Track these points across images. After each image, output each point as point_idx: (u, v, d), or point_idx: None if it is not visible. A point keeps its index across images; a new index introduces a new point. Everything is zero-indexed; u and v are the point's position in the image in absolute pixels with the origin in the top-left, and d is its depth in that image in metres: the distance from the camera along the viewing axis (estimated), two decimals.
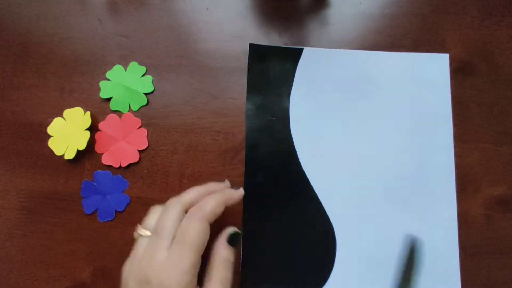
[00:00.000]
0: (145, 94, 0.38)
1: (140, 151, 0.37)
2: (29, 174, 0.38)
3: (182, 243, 0.26)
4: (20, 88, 0.40)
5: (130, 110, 0.38)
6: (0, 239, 0.37)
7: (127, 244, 0.36)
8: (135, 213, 0.37)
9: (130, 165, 0.37)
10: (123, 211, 0.37)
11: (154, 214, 0.29)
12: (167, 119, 0.38)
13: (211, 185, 0.31)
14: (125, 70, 0.39)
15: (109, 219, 0.37)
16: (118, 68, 0.39)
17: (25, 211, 0.38)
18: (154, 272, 0.25)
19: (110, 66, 0.39)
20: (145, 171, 0.37)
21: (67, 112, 0.38)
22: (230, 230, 0.29)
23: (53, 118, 0.38)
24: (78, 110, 0.38)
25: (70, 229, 0.37)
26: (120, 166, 0.37)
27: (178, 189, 0.36)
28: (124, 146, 0.37)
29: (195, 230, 0.26)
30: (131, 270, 0.27)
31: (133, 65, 0.39)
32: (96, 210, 0.37)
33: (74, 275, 0.36)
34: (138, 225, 0.29)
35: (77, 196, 0.37)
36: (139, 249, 0.28)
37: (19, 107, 0.39)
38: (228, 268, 0.28)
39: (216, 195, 0.29)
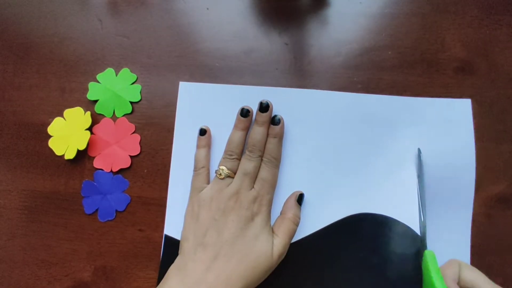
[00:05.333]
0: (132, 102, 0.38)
1: (140, 150, 0.37)
2: (30, 174, 0.38)
3: (264, 183, 0.33)
4: (21, 88, 0.40)
5: (113, 116, 0.38)
6: (1, 238, 0.38)
7: (128, 243, 0.36)
8: (135, 212, 0.37)
9: (130, 165, 0.37)
10: (123, 210, 0.37)
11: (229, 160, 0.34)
12: (167, 119, 0.38)
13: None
14: (116, 75, 0.39)
15: (110, 218, 0.37)
16: (109, 71, 0.39)
17: (26, 211, 0.38)
18: (243, 203, 0.32)
19: (110, 66, 0.39)
20: (145, 170, 0.37)
21: (67, 112, 0.38)
22: (297, 192, 0.35)
23: (53, 118, 0.38)
24: (78, 110, 0.38)
25: (71, 229, 0.37)
26: (111, 171, 0.37)
27: None
28: (116, 151, 0.37)
29: (275, 174, 0.34)
30: (213, 199, 0.33)
31: (125, 71, 0.39)
32: (96, 209, 0.37)
33: (75, 274, 0.36)
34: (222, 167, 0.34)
35: (77, 196, 0.37)
36: (224, 185, 0.33)
37: (19, 107, 0.39)
38: (295, 222, 0.34)
39: (279, 141, 0.35)
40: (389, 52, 0.38)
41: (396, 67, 0.37)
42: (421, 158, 0.34)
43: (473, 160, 0.35)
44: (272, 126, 0.35)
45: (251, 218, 0.32)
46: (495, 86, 0.37)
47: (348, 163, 0.36)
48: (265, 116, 0.34)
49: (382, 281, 0.33)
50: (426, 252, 0.32)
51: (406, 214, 0.34)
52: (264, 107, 0.35)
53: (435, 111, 0.36)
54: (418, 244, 0.33)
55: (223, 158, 0.35)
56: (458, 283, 0.30)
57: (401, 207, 0.34)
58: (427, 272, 0.30)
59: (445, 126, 0.36)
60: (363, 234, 0.34)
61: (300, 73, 0.38)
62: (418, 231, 0.33)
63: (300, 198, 0.35)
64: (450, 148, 0.35)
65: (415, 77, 0.37)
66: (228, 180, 0.33)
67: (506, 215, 0.35)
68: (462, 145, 0.35)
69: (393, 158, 0.35)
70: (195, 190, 0.34)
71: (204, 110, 0.37)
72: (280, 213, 0.35)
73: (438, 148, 0.35)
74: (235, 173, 0.34)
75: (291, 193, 0.35)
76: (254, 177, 0.34)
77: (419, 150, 0.35)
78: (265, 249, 0.31)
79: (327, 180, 0.36)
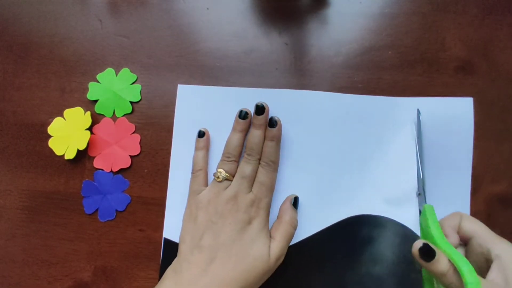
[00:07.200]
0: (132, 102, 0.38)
1: (140, 150, 0.37)
2: (30, 174, 0.38)
3: (262, 186, 0.33)
4: (21, 88, 0.40)
5: (113, 116, 0.38)
6: (2, 238, 0.38)
7: (128, 243, 0.36)
8: (135, 212, 0.37)
9: (130, 165, 0.37)
10: (123, 210, 0.37)
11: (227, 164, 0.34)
12: (168, 119, 0.38)
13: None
14: (116, 75, 0.39)
15: (110, 218, 0.37)
16: (109, 71, 0.39)
17: (26, 211, 0.38)
18: (242, 206, 0.32)
19: (110, 66, 0.39)
20: (145, 170, 0.37)
21: (67, 112, 0.38)
22: (292, 195, 0.35)
23: (53, 118, 0.38)
24: (78, 110, 0.38)
25: (71, 229, 0.37)
26: (111, 171, 0.37)
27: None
28: (116, 151, 0.37)
29: (273, 178, 0.34)
30: (209, 203, 0.33)
31: (125, 71, 0.39)
32: (96, 209, 0.37)
33: (75, 274, 0.36)
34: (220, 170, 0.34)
35: (77, 195, 0.37)
36: (222, 188, 0.33)
37: (20, 107, 0.39)
38: (293, 225, 0.33)
39: (277, 144, 0.35)
40: (389, 52, 0.38)
41: (396, 67, 0.37)
42: (420, 119, 0.35)
43: (470, 157, 0.35)
44: (269, 128, 0.34)
45: (249, 221, 0.32)
46: (496, 85, 0.37)
47: (347, 164, 0.36)
48: (261, 118, 0.34)
49: (382, 282, 0.33)
50: (425, 206, 0.32)
51: (406, 216, 0.34)
52: (259, 110, 0.34)
53: (436, 110, 0.36)
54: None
55: (221, 160, 0.34)
56: (458, 233, 0.30)
57: (401, 209, 0.34)
58: (426, 224, 0.31)
59: (446, 125, 0.36)
60: (363, 235, 0.34)
61: (300, 73, 0.38)
62: (418, 232, 0.33)
63: (295, 201, 0.34)
64: (450, 145, 0.35)
65: (415, 77, 0.37)
66: (226, 183, 0.33)
67: (506, 215, 0.35)
68: (462, 142, 0.35)
69: (393, 159, 0.35)
70: (193, 192, 0.34)
71: (203, 112, 0.37)
72: (277, 217, 0.34)
73: (438, 146, 0.35)
74: (233, 176, 0.33)
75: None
76: (252, 180, 0.33)
77: (418, 111, 0.35)
78: (261, 252, 0.31)
79: (326, 182, 0.36)
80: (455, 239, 0.29)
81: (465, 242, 0.30)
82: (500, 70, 0.37)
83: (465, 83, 0.37)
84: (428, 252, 0.27)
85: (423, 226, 0.32)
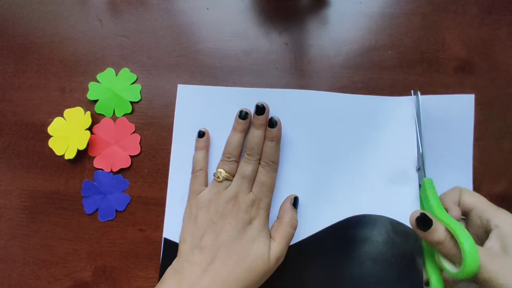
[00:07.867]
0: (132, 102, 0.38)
1: (140, 150, 0.37)
2: (30, 174, 0.38)
3: (262, 186, 0.33)
4: (21, 88, 0.40)
5: (113, 115, 0.38)
6: (2, 238, 0.38)
7: (128, 243, 0.36)
8: (135, 212, 0.37)
9: (130, 165, 0.37)
10: (123, 210, 0.37)
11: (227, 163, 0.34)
12: (168, 118, 0.38)
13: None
14: (116, 75, 0.39)
15: (110, 218, 0.37)
16: (109, 71, 0.39)
17: (26, 211, 0.38)
18: (243, 205, 0.32)
19: (110, 66, 0.39)
20: (145, 170, 0.37)
21: (67, 112, 0.38)
22: (292, 195, 0.35)
23: (53, 118, 0.38)
24: (78, 110, 0.38)
25: (71, 229, 0.37)
26: (111, 171, 0.37)
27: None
28: (116, 151, 0.37)
29: (273, 178, 0.34)
30: (210, 203, 0.33)
31: (125, 71, 0.39)
32: (96, 209, 0.37)
33: (75, 274, 0.36)
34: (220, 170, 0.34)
35: (77, 196, 0.37)
36: (221, 188, 0.33)
37: (20, 107, 0.39)
38: (293, 226, 0.33)
39: (277, 144, 0.34)
40: (389, 52, 0.38)
41: (396, 67, 0.37)
42: (418, 98, 0.35)
43: (470, 154, 0.36)
44: (269, 129, 0.34)
45: (249, 221, 0.32)
46: (496, 85, 0.37)
47: (347, 164, 0.36)
48: (261, 118, 0.34)
49: (382, 282, 0.33)
50: (424, 179, 0.33)
51: (407, 215, 0.34)
52: (260, 110, 0.34)
53: (438, 108, 0.36)
54: (418, 244, 0.33)
55: (221, 160, 0.34)
56: (458, 206, 0.31)
57: (402, 208, 0.34)
58: (425, 198, 0.32)
59: (448, 122, 0.36)
60: (362, 235, 0.34)
61: (300, 73, 0.38)
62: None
63: (295, 202, 0.34)
64: (450, 142, 0.35)
65: (415, 77, 0.37)
66: (226, 183, 0.33)
67: None
68: (463, 139, 0.36)
69: (393, 158, 0.35)
70: (193, 192, 0.34)
71: (203, 112, 0.37)
72: (277, 218, 0.34)
73: (439, 144, 0.35)
74: (233, 176, 0.33)
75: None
76: (252, 180, 0.33)
77: (416, 91, 0.35)
78: (262, 252, 0.31)
79: (327, 182, 0.35)
80: (457, 212, 0.30)
81: (465, 215, 0.31)
82: (500, 69, 0.37)
83: (465, 83, 0.37)
84: (425, 222, 0.28)
85: (423, 200, 0.32)
